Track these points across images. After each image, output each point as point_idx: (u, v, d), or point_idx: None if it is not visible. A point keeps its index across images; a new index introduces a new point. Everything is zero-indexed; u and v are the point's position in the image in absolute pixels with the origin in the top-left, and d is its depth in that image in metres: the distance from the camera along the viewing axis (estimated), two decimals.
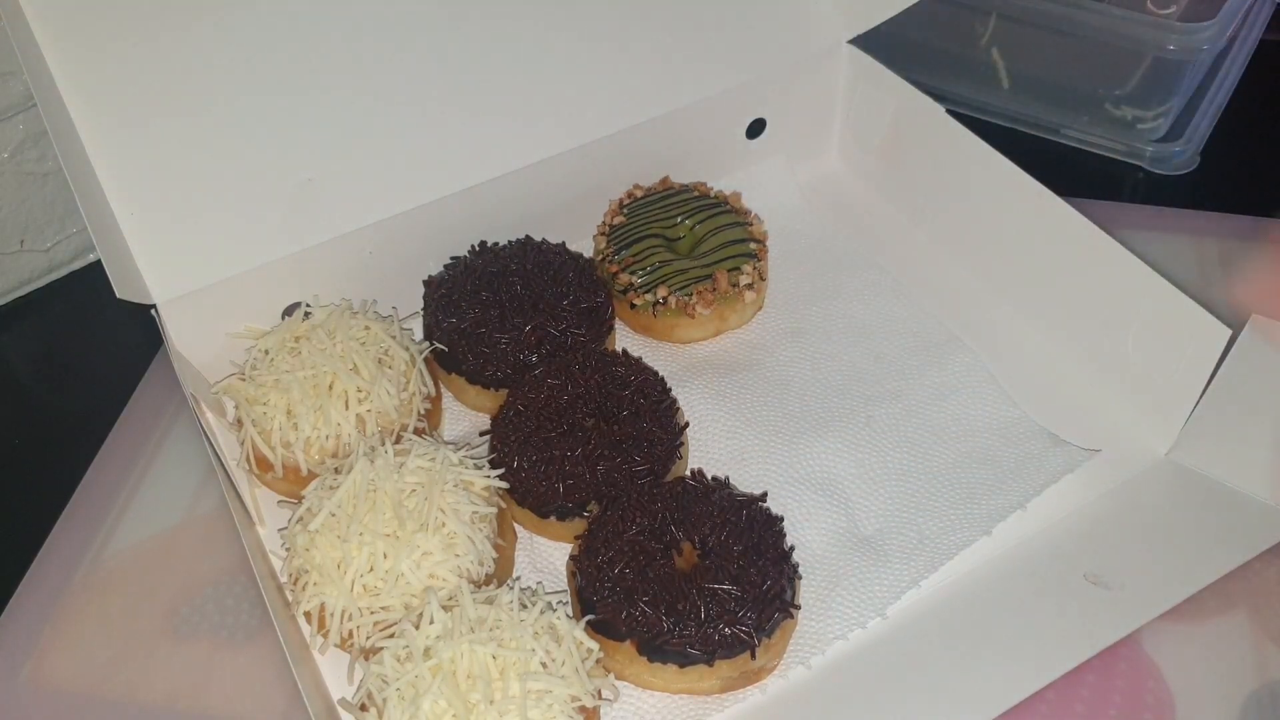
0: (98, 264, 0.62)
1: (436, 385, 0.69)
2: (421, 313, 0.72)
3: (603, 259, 0.74)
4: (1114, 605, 0.56)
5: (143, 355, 0.77)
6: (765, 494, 0.60)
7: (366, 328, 0.66)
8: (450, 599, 0.55)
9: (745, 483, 0.65)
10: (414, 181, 0.71)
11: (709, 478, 0.61)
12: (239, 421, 0.65)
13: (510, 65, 0.73)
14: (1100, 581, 0.57)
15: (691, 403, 0.69)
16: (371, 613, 0.56)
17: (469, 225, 0.73)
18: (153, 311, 0.66)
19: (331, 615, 0.56)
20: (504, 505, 0.62)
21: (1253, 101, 0.88)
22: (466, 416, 0.71)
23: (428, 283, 0.72)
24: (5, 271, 0.83)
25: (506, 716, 0.49)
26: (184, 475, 0.70)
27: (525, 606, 0.53)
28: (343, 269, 0.71)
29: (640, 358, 0.67)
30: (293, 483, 0.63)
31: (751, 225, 0.75)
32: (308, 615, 0.57)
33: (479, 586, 0.57)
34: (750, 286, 0.72)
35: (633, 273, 0.72)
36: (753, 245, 0.73)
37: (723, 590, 0.54)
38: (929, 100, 0.76)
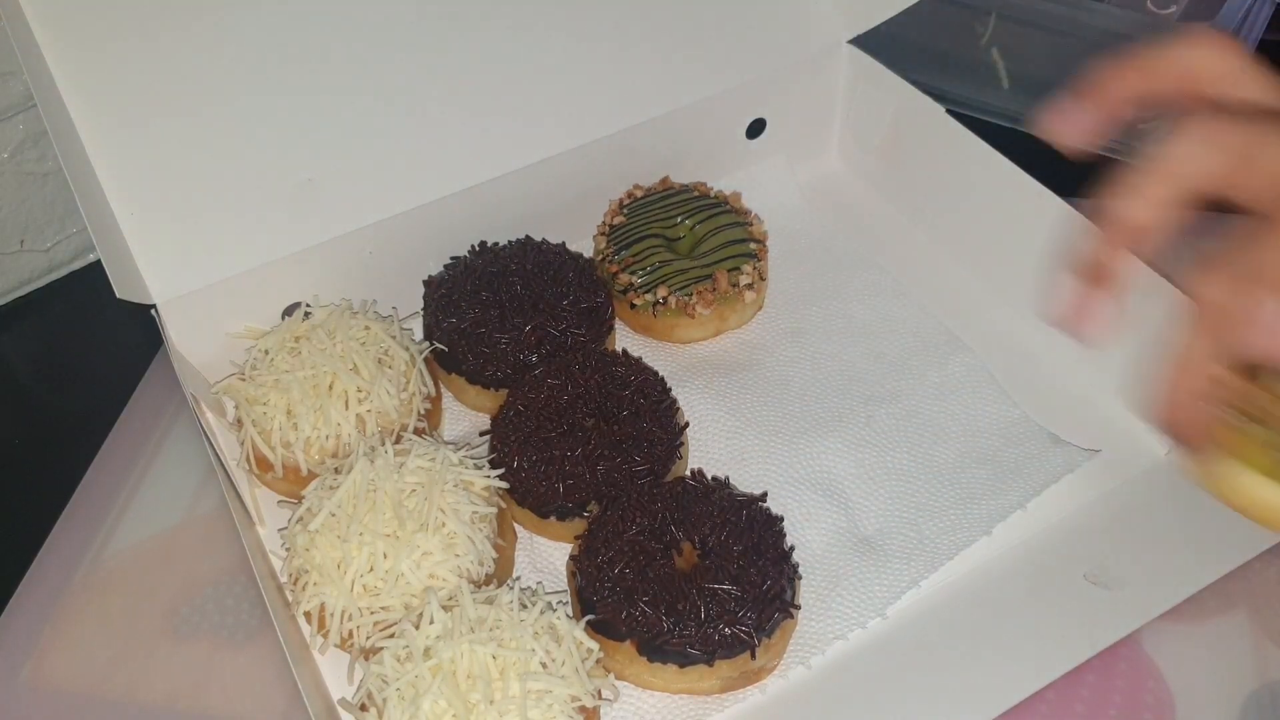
0: (98, 264, 0.62)
1: (436, 385, 0.69)
2: (421, 313, 0.72)
3: (603, 259, 0.74)
4: (1114, 605, 0.56)
5: (143, 355, 0.77)
6: (765, 494, 0.60)
7: (366, 328, 0.66)
8: (450, 599, 0.55)
9: (745, 483, 0.65)
10: (414, 181, 0.71)
11: (709, 478, 0.61)
12: (239, 421, 0.65)
13: (510, 65, 0.73)
14: (1100, 581, 0.57)
15: (691, 403, 0.69)
16: (371, 613, 0.56)
17: (469, 225, 0.73)
18: (153, 311, 0.66)
19: (331, 615, 0.56)
20: (504, 505, 0.62)
21: None
22: (466, 416, 0.71)
23: (428, 283, 0.72)
24: (5, 271, 0.83)
25: (506, 716, 0.49)
26: (184, 475, 0.70)
27: (525, 606, 0.53)
28: (343, 269, 0.71)
29: (640, 358, 0.67)
30: (293, 483, 0.63)
31: (751, 225, 0.75)
32: (308, 615, 0.57)
33: (479, 586, 0.57)
34: (750, 286, 0.72)
35: (633, 273, 0.72)
36: (753, 245, 0.73)
37: (723, 590, 0.54)
38: (929, 100, 0.76)
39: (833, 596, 0.60)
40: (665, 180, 0.78)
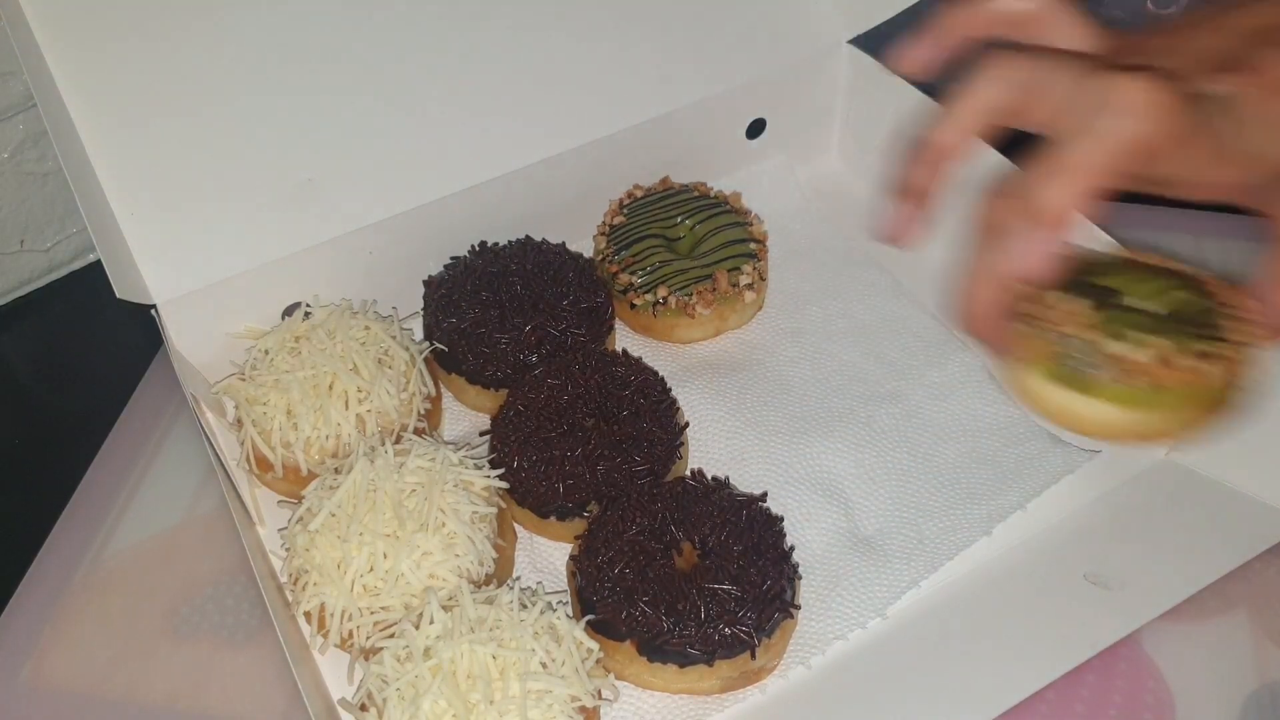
0: (98, 264, 0.62)
1: (436, 385, 0.69)
2: (421, 313, 0.72)
3: (603, 259, 0.74)
4: (1114, 605, 0.56)
5: (143, 355, 0.77)
6: (765, 494, 0.61)
7: (366, 328, 0.66)
8: (450, 599, 0.55)
9: (745, 483, 0.65)
10: (414, 181, 0.71)
11: (709, 478, 0.61)
12: (239, 421, 0.65)
13: (510, 65, 0.73)
14: (1100, 581, 0.57)
15: (691, 403, 0.69)
16: (371, 613, 0.56)
17: (469, 225, 0.73)
18: (153, 311, 0.66)
19: (331, 615, 0.56)
20: (504, 505, 0.62)
21: None
22: (466, 416, 0.71)
23: (428, 283, 0.72)
24: (5, 271, 0.83)
25: (506, 716, 0.49)
26: (184, 475, 0.70)
27: (525, 606, 0.53)
28: (343, 269, 0.71)
29: (640, 358, 0.67)
30: (293, 483, 0.63)
31: (751, 225, 0.75)
32: (308, 615, 0.57)
33: (479, 586, 0.57)
34: (750, 286, 0.72)
35: (633, 273, 0.72)
36: (753, 245, 0.73)
37: (723, 590, 0.54)
38: (929, 100, 0.76)
39: (833, 596, 0.60)
40: (665, 180, 0.78)
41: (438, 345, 0.68)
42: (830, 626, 0.58)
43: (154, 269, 0.65)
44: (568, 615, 0.55)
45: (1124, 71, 0.44)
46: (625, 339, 0.74)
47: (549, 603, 0.54)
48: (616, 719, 0.56)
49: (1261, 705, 0.54)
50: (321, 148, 0.69)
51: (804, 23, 0.80)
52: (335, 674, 0.58)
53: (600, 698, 0.53)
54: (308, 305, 0.68)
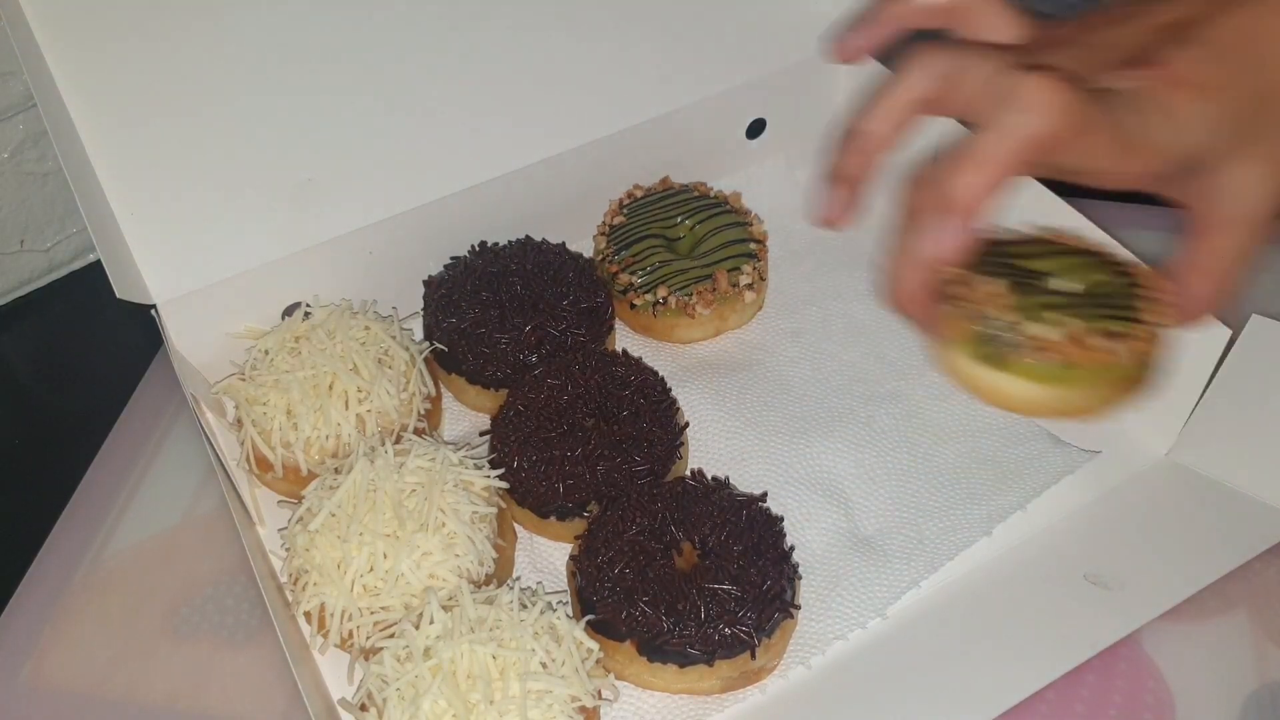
0: (98, 264, 0.62)
1: (436, 385, 0.69)
2: (421, 313, 0.72)
3: (603, 259, 0.74)
4: (1114, 605, 0.56)
5: (143, 355, 0.77)
6: (765, 494, 0.61)
7: (366, 328, 0.66)
8: (450, 599, 0.55)
9: (745, 483, 0.64)
10: (414, 181, 0.71)
11: (709, 478, 0.61)
12: (239, 421, 0.65)
13: (510, 65, 0.73)
14: (1100, 581, 0.57)
15: (691, 403, 0.69)
16: (371, 613, 0.56)
17: (469, 225, 0.73)
18: (153, 311, 0.66)
19: (331, 615, 0.56)
20: (504, 505, 0.62)
21: None
22: (466, 416, 0.71)
23: (428, 283, 0.72)
24: (5, 271, 0.83)
25: (506, 716, 0.49)
26: (184, 475, 0.70)
27: (525, 606, 0.53)
28: (343, 269, 0.71)
29: (640, 358, 0.67)
30: (293, 483, 0.63)
31: (751, 225, 0.75)
32: (308, 615, 0.57)
33: (479, 586, 0.57)
34: (750, 286, 0.72)
35: (633, 273, 0.72)
36: (753, 245, 0.73)
37: (723, 590, 0.54)
38: None
39: (833, 596, 0.60)
40: (665, 180, 0.78)
41: (438, 345, 0.68)
42: (830, 626, 0.58)
43: (154, 269, 0.65)
44: (568, 615, 0.55)
45: (1029, 70, 0.47)
46: (625, 339, 0.74)
47: (549, 603, 0.54)
48: (616, 719, 0.56)
49: (1261, 705, 0.54)
50: (321, 148, 0.69)
51: (804, 23, 0.80)
52: (335, 674, 0.58)
53: (600, 698, 0.53)
54: (308, 305, 0.68)
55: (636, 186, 0.78)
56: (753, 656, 0.54)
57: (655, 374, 0.66)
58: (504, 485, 0.61)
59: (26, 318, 0.84)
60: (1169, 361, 0.55)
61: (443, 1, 0.71)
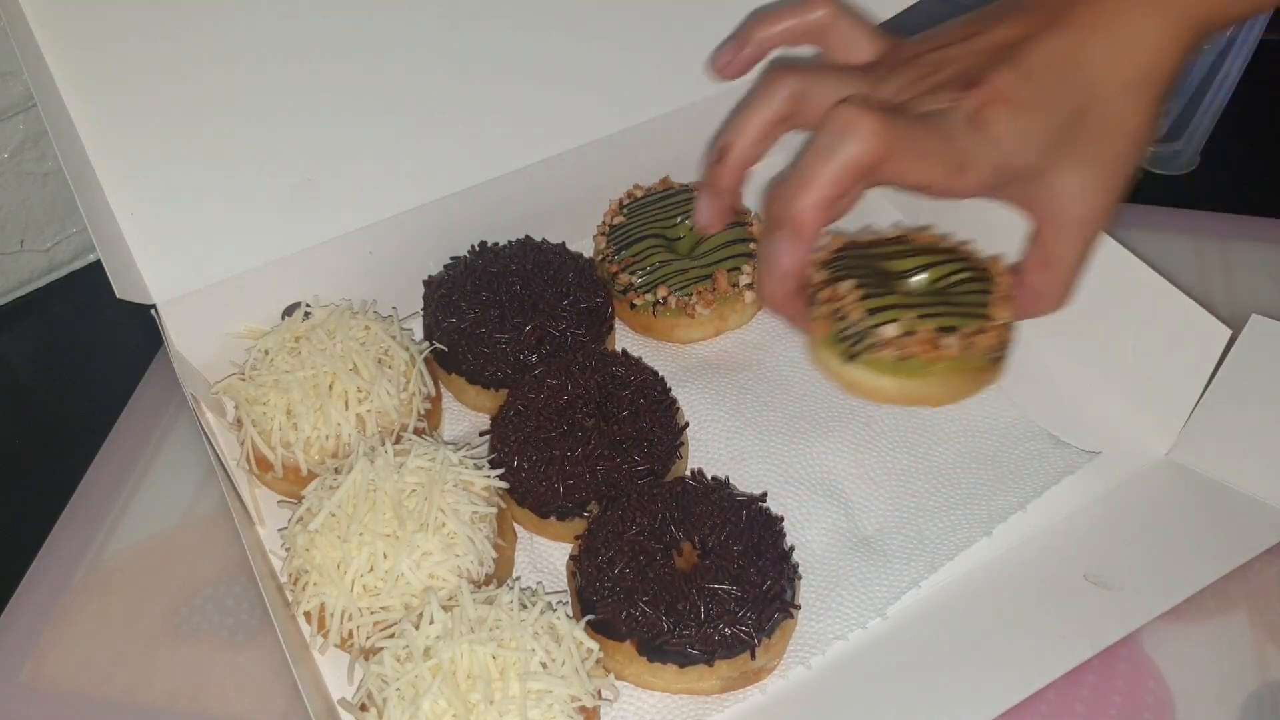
0: (98, 264, 0.62)
1: (436, 385, 0.69)
2: (421, 313, 0.72)
3: (603, 259, 0.74)
4: (1114, 605, 0.56)
5: (143, 355, 0.77)
6: (765, 494, 0.61)
7: (366, 328, 0.66)
8: (450, 599, 0.55)
9: (745, 483, 0.64)
10: (414, 181, 0.71)
11: (709, 478, 0.61)
12: (239, 421, 0.65)
13: (510, 65, 0.73)
14: (1100, 581, 0.57)
15: (691, 403, 0.69)
16: (371, 613, 0.56)
17: (469, 225, 0.73)
18: (153, 311, 0.66)
19: (331, 615, 0.56)
20: (504, 505, 0.62)
21: (1253, 101, 0.88)
22: (466, 416, 0.71)
23: (428, 283, 0.72)
24: (5, 271, 0.83)
25: (506, 716, 0.49)
26: (184, 475, 0.70)
27: (525, 606, 0.53)
28: (343, 269, 0.71)
29: (640, 358, 0.67)
30: (293, 483, 0.63)
31: (751, 225, 0.75)
32: (308, 615, 0.57)
33: (479, 586, 0.57)
34: (750, 286, 0.72)
35: (633, 273, 0.72)
36: (752, 245, 0.73)
37: (723, 590, 0.54)
38: None
39: (833, 596, 0.60)
40: (665, 180, 0.78)
41: (438, 345, 0.68)
42: (830, 626, 0.58)
43: (154, 269, 0.65)
44: (568, 615, 0.55)
45: (851, 101, 0.53)
46: (625, 339, 0.74)
47: (549, 603, 0.54)
48: (616, 719, 0.56)
49: (1261, 705, 0.54)
50: (321, 148, 0.69)
51: None
52: (335, 674, 0.58)
53: (600, 698, 0.53)
54: (308, 305, 0.68)
55: (636, 186, 0.78)
56: (753, 656, 0.54)
57: (655, 374, 0.66)
58: (504, 485, 0.61)
59: (26, 318, 0.84)
60: (1011, 351, 0.60)
61: (442, 1, 0.71)
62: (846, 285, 0.59)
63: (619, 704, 0.56)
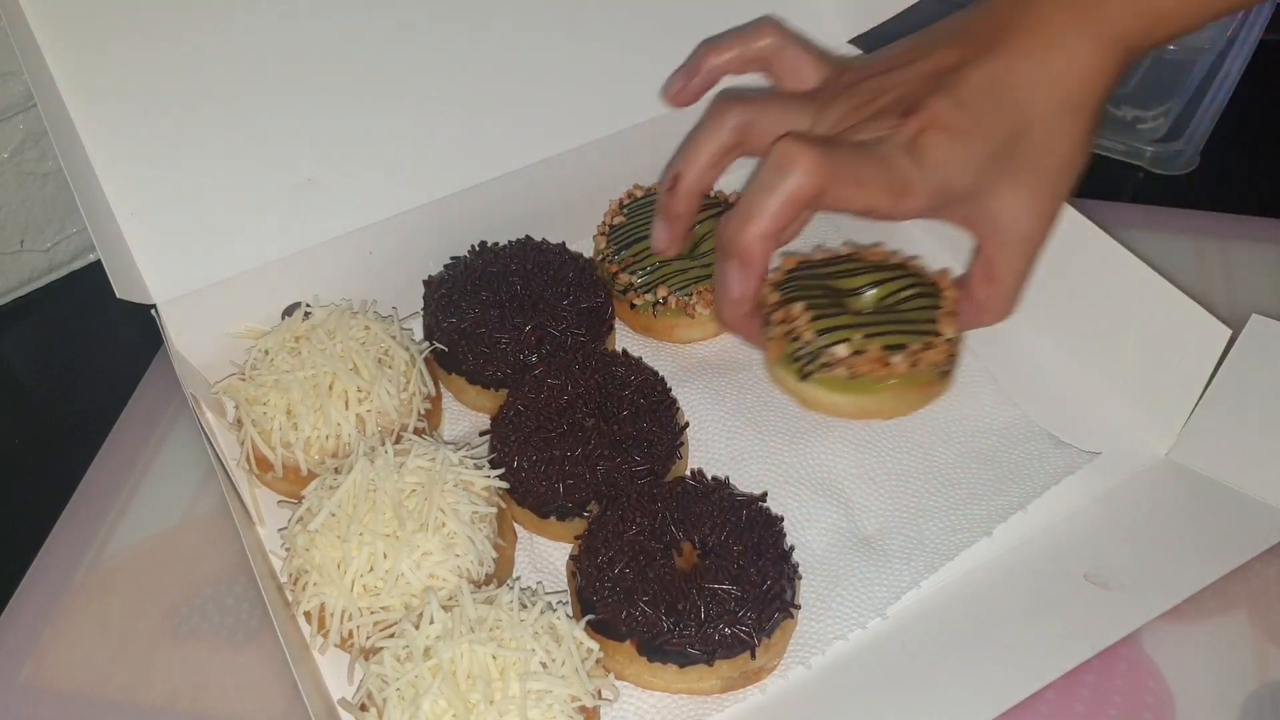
0: (98, 264, 0.62)
1: (436, 385, 0.69)
2: (421, 313, 0.72)
3: (603, 259, 0.74)
4: (1114, 605, 0.56)
5: (143, 355, 0.77)
6: (765, 494, 0.61)
7: (366, 328, 0.66)
8: (450, 599, 0.55)
9: (745, 483, 0.64)
10: (414, 181, 0.71)
11: (709, 478, 0.61)
12: (239, 421, 0.65)
13: (510, 65, 0.73)
14: (1100, 581, 0.57)
15: (691, 403, 0.69)
16: (371, 613, 0.56)
17: (469, 225, 0.73)
18: (153, 311, 0.66)
19: (331, 615, 0.56)
20: (504, 505, 0.62)
21: (1253, 101, 0.88)
22: (466, 416, 0.71)
23: (428, 283, 0.72)
24: (5, 271, 0.83)
25: (506, 716, 0.49)
26: (184, 475, 0.70)
27: (525, 606, 0.53)
28: (343, 269, 0.71)
29: (640, 358, 0.67)
30: (293, 483, 0.63)
31: None
32: (308, 615, 0.57)
33: (479, 586, 0.57)
34: None
35: (633, 273, 0.72)
36: None
37: (723, 590, 0.54)
38: None
39: (833, 596, 0.60)
40: None
41: (438, 345, 0.68)
42: (830, 626, 0.58)
43: (154, 269, 0.65)
44: (568, 615, 0.55)
45: (791, 135, 0.55)
46: (625, 339, 0.74)
47: (549, 603, 0.54)
48: (616, 719, 0.56)
49: (1261, 705, 0.54)
50: (321, 148, 0.69)
51: (804, 23, 0.80)
52: (335, 674, 0.58)
53: (600, 698, 0.53)
54: (308, 305, 0.68)
55: (636, 186, 0.78)
56: (753, 656, 0.54)
57: (655, 374, 0.66)
58: (504, 485, 0.61)
59: (26, 318, 0.84)
60: (958, 362, 0.64)
61: (442, 1, 0.71)
62: (798, 307, 0.62)
63: (619, 704, 0.56)
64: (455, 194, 0.72)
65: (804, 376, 0.62)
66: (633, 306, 0.72)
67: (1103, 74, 0.56)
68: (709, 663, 0.54)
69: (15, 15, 0.62)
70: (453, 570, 0.56)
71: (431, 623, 0.52)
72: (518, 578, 0.62)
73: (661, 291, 0.71)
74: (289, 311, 0.70)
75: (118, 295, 0.62)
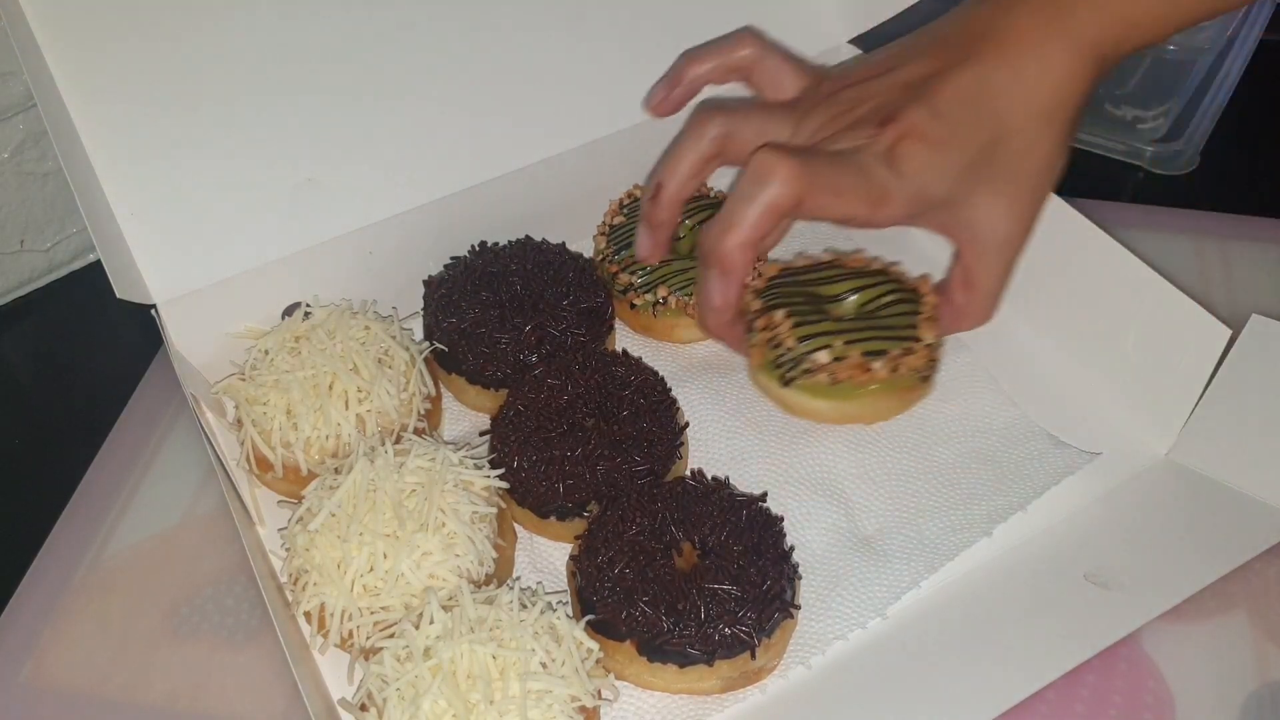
0: (98, 264, 0.62)
1: (436, 385, 0.69)
2: (421, 313, 0.72)
3: (603, 259, 0.74)
4: (1114, 605, 0.56)
5: (143, 355, 0.77)
6: (765, 494, 0.61)
7: (366, 328, 0.66)
8: (450, 599, 0.55)
9: (745, 483, 0.65)
10: (414, 181, 0.71)
11: (709, 478, 0.61)
12: (239, 421, 0.65)
13: (511, 65, 0.73)
14: (1100, 581, 0.57)
15: (691, 403, 0.69)
16: (371, 613, 0.56)
17: (469, 225, 0.73)
18: (153, 311, 0.66)
19: (331, 615, 0.56)
20: (504, 505, 0.62)
21: (1253, 101, 0.88)
22: (466, 416, 0.71)
23: (428, 283, 0.72)
24: (5, 271, 0.83)
25: (506, 716, 0.49)
26: (184, 475, 0.70)
27: (525, 606, 0.53)
28: (343, 269, 0.71)
29: (640, 358, 0.67)
30: (293, 483, 0.63)
31: None
32: (308, 615, 0.57)
33: (479, 586, 0.57)
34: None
35: (633, 273, 0.72)
36: None
37: (723, 590, 0.54)
38: None
39: (833, 596, 0.60)
40: None
41: (438, 345, 0.68)
42: (830, 626, 0.58)
43: (154, 269, 0.65)
44: (568, 615, 0.55)
45: (770, 146, 0.56)
46: (625, 339, 0.74)
47: (549, 603, 0.54)
48: (616, 719, 0.56)
49: (1261, 705, 0.54)
50: (321, 148, 0.69)
51: (804, 23, 0.80)
52: (335, 674, 0.58)
53: (600, 698, 0.53)
54: (308, 305, 0.68)
55: (636, 186, 0.78)
56: (753, 656, 0.54)
57: (655, 374, 0.66)
58: (504, 485, 0.61)
59: (26, 318, 0.84)
60: (938, 367, 0.64)
61: (443, 1, 0.71)
62: (780, 314, 0.62)
63: (619, 704, 0.56)
64: (455, 194, 0.72)
65: (786, 383, 0.63)
66: (633, 306, 0.72)
67: (1077, 81, 0.57)
68: (709, 663, 0.54)
69: (15, 15, 0.62)
70: (453, 570, 0.56)
71: (431, 623, 0.52)
72: (518, 578, 0.62)
73: (661, 291, 0.71)
74: (289, 311, 0.70)
75: (118, 295, 0.62)
